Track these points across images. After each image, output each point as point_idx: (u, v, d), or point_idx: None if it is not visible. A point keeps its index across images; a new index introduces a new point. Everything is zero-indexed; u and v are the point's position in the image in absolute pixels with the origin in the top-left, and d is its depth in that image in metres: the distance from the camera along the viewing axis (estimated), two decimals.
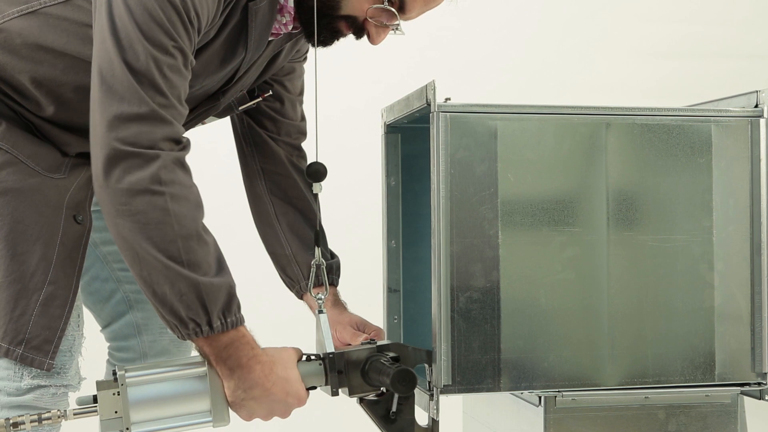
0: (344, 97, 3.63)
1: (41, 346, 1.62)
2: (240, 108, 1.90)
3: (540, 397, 1.76)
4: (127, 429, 1.51)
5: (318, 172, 1.71)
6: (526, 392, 1.79)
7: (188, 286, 1.48)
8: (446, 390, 1.70)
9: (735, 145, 1.81)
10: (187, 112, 1.57)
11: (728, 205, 1.81)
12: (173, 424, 1.53)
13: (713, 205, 1.80)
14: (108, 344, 2.03)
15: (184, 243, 1.48)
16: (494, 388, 1.72)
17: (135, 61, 1.48)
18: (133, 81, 1.48)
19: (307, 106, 1.99)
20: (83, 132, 1.68)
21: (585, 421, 1.77)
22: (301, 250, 1.95)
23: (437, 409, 1.70)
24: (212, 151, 2.76)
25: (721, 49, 4.16)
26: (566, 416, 1.76)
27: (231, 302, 1.53)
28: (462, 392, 1.72)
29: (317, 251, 1.73)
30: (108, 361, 2.03)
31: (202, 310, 1.50)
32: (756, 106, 1.83)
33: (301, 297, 1.97)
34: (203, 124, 1.94)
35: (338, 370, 1.63)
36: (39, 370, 1.62)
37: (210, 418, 1.55)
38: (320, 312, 1.69)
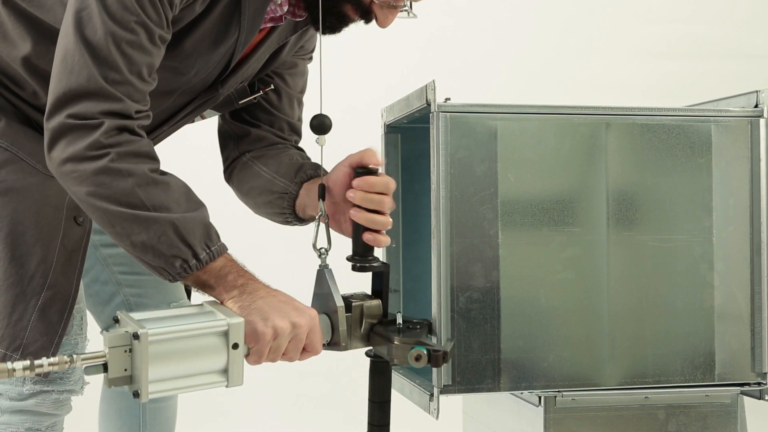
0: (344, 97, 3.63)
1: (38, 353, 1.61)
2: (240, 102, 1.88)
3: (540, 397, 1.76)
4: (137, 392, 1.43)
5: (323, 124, 1.65)
6: (526, 392, 1.79)
7: (163, 226, 1.47)
8: (446, 390, 1.70)
9: (735, 145, 1.81)
10: (151, 87, 1.55)
11: (728, 205, 1.81)
12: (185, 384, 1.46)
13: (713, 205, 1.80)
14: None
15: (143, 191, 1.47)
16: (494, 388, 1.72)
17: (92, 36, 1.48)
18: (86, 56, 1.47)
19: (311, 79, 1.96)
20: None
21: (585, 421, 1.77)
22: (280, 166, 1.85)
23: (437, 409, 1.70)
24: (212, 150, 2.75)
25: (721, 49, 4.16)
26: (566, 416, 1.76)
27: (209, 231, 1.52)
28: (462, 392, 1.72)
29: (321, 204, 1.68)
30: None
31: (184, 244, 1.49)
32: (756, 106, 1.83)
33: (293, 210, 1.83)
34: (203, 118, 1.92)
35: (348, 323, 1.60)
36: (39, 377, 1.61)
37: (224, 379, 1.48)
38: (324, 267, 1.65)
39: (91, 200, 1.48)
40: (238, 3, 1.64)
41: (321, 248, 1.67)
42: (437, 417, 1.71)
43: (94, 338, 1.83)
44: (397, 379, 1.91)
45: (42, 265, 1.62)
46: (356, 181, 1.66)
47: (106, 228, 1.51)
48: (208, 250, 1.51)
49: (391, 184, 1.67)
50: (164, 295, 1.96)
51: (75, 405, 1.75)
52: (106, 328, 2.00)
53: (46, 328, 1.62)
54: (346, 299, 1.63)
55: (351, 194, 1.66)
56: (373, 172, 1.66)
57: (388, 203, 1.66)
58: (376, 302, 1.66)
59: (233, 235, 2.48)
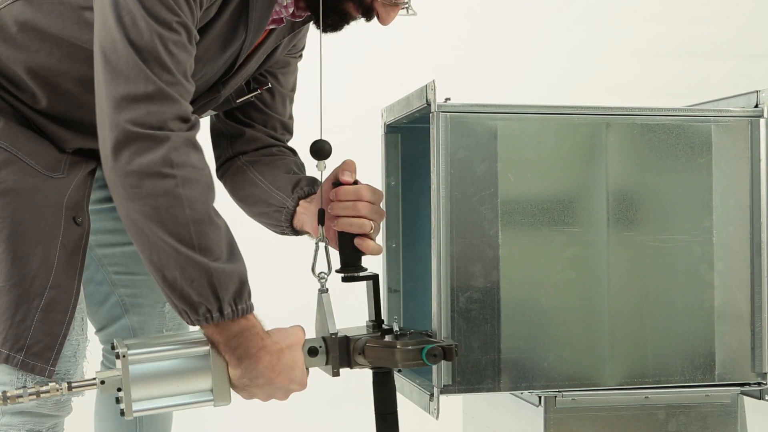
0: (344, 96, 3.63)
1: (42, 353, 1.61)
2: (238, 101, 1.88)
3: (540, 397, 1.76)
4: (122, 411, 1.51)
5: (323, 149, 1.67)
6: (526, 392, 1.79)
7: (200, 272, 1.45)
8: (446, 390, 1.70)
9: (735, 145, 1.81)
10: (194, 88, 1.55)
11: (728, 205, 1.81)
12: (174, 402, 1.53)
13: (713, 205, 1.80)
14: (102, 347, 2.02)
15: (196, 227, 1.45)
16: (494, 388, 1.72)
17: (139, 39, 1.46)
18: (137, 59, 1.45)
19: (311, 85, 1.95)
20: (79, 126, 1.66)
21: (585, 421, 1.77)
22: (277, 178, 1.86)
23: (437, 409, 1.70)
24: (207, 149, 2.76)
25: (721, 49, 4.16)
26: (566, 416, 1.76)
27: (242, 289, 1.50)
28: (462, 392, 1.72)
29: (320, 230, 1.69)
30: (102, 363, 2.01)
31: (213, 296, 1.47)
32: (756, 106, 1.83)
33: (290, 224, 1.84)
34: (200, 117, 1.92)
35: (339, 351, 1.63)
36: (42, 377, 1.61)
37: (211, 398, 1.54)
38: (322, 291, 1.66)
39: (141, 220, 1.45)
40: (245, 5, 1.64)
41: (320, 273, 1.68)
42: (437, 417, 1.71)
43: (92, 338, 1.83)
44: (397, 379, 1.91)
45: (44, 266, 1.62)
46: (330, 194, 1.70)
47: (143, 252, 1.48)
48: (233, 307, 1.50)
49: (362, 191, 1.69)
50: (159, 295, 1.95)
51: (75, 406, 1.75)
52: (101, 328, 2.00)
53: (49, 329, 1.62)
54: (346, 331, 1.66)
55: (329, 208, 1.70)
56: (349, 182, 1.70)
57: (363, 209, 1.68)
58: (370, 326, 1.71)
59: (236, 231, 2.46)
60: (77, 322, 1.69)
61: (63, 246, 1.65)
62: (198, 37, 1.56)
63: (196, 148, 1.49)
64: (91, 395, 1.91)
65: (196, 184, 1.46)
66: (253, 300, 1.55)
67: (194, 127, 1.51)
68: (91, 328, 1.97)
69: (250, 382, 1.55)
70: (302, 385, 1.59)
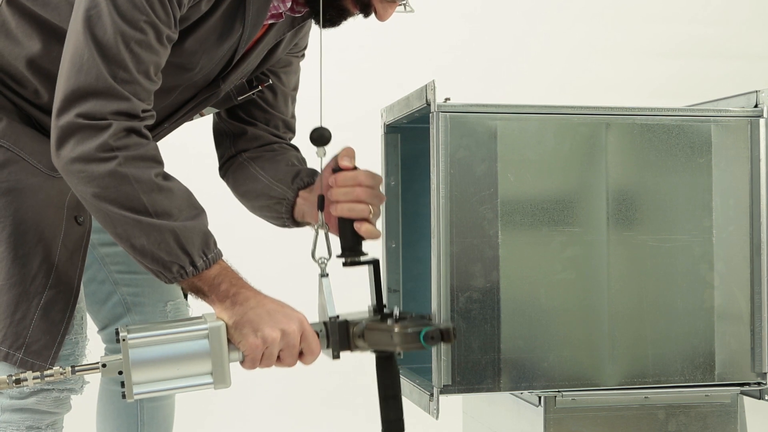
0: (343, 97, 3.63)
1: (41, 352, 1.62)
2: (239, 98, 1.89)
3: (540, 397, 1.76)
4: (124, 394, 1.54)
5: (323, 136, 1.68)
6: (526, 392, 1.79)
7: (164, 234, 1.51)
8: (446, 390, 1.70)
9: (735, 145, 1.81)
10: (156, 86, 1.57)
11: (728, 205, 1.81)
12: (174, 386, 1.55)
13: (713, 205, 1.80)
14: (104, 346, 2.03)
15: (148, 197, 1.50)
16: (494, 388, 1.72)
17: (102, 34, 1.49)
18: (96, 54, 1.49)
19: (311, 82, 1.95)
20: None
21: (585, 421, 1.77)
22: (277, 171, 1.89)
23: (437, 409, 1.70)
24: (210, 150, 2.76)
25: (721, 49, 4.16)
26: (566, 416, 1.76)
27: (208, 240, 1.56)
28: (462, 392, 1.72)
29: (320, 216, 1.70)
30: None
31: (183, 252, 1.52)
32: (756, 106, 1.83)
33: (291, 215, 1.87)
34: (201, 115, 1.93)
35: (339, 334, 1.63)
36: None
37: (211, 381, 1.56)
38: (322, 276, 1.67)
39: (95, 201, 1.50)
40: (242, 0, 1.64)
41: (320, 258, 1.68)
42: (437, 417, 1.71)
43: (92, 337, 1.83)
44: None
45: (44, 265, 1.63)
46: (330, 180, 1.71)
47: (107, 228, 1.53)
48: (204, 258, 1.55)
49: (361, 176, 1.69)
50: (161, 294, 1.96)
51: (74, 404, 1.76)
52: (103, 327, 2.00)
53: (48, 327, 1.63)
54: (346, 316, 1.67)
55: (329, 194, 1.71)
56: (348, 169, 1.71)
57: (361, 193, 1.69)
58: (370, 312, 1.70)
59: (231, 235, 2.46)
60: (77, 321, 1.70)
61: (64, 245, 1.65)
62: (175, 38, 1.58)
63: (139, 133, 1.53)
64: (92, 395, 1.92)
65: (138, 160, 1.51)
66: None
67: (143, 120, 1.54)
68: (93, 327, 1.97)
69: (242, 308, 1.55)
70: (299, 316, 1.59)
